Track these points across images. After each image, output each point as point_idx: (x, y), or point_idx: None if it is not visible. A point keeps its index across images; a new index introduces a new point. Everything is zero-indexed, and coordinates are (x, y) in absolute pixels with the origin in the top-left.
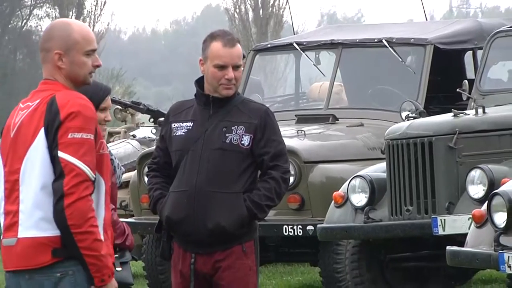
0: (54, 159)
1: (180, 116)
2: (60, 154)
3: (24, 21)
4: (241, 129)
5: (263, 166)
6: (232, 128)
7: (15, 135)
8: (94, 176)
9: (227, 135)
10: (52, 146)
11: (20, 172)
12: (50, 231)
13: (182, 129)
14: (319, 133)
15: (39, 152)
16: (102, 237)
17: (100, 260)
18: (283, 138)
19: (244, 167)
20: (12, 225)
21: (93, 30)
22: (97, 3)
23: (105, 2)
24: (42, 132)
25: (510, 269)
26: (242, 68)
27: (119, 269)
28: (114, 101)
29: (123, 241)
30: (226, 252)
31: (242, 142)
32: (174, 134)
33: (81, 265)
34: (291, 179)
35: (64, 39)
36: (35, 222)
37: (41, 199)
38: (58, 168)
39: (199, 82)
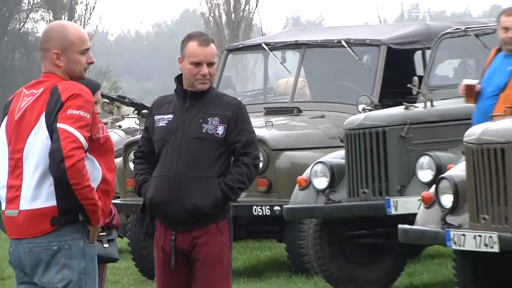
0: (52, 131)
1: (162, 109)
2: (59, 125)
3: (22, 23)
4: (216, 120)
5: (235, 153)
6: (208, 119)
7: (19, 118)
8: (87, 146)
9: (203, 125)
10: (52, 124)
11: (23, 152)
12: (48, 202)
13: (163, 120)
14: (285, 123)
15: (40, 135)
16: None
17: (96, 206)
18: (254, 128)
19: (218, 154)
20: (14, 198)
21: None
22: (87, 7)
23: (94, 7)
24: (43, 116)
25: (456, 245)
26: (216, 65)
27: (106, 245)
28: (102, 95)
29: (110, 220)
30: (203, 230)
31: (217, 132)
32: (156, 125)
33: (78, 219)
34: (260, 164)
35: (61, 40)
36: (35, 195)
37: (40, 176)
38: (56, 136)
39: (179, 79)
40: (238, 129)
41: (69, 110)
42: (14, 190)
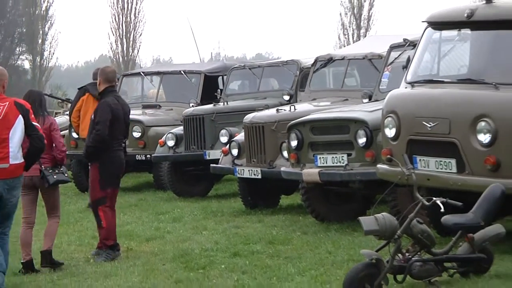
0: (29, 125)
1: None
2: (33, 123)
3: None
4: None
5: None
6: None
7: (3, 117)
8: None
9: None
10: (28, 121)
11: (9, 134)
12: (21, 160)
13: None
14: (152, 113)
15: (19, 125)
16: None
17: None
18: (136, 116)
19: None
20: (5, 157)
21: (48, 65)
22: (49, 53)
23: (54, 52)
24: (20, 117)
25: (239, 175)
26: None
27: (55, 176)
28: (58, 98)
29: (61, 160)
30: None
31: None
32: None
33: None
34: (139, 134)
35: (4, 75)
36: (16, 157)
37: (18, 148)
38: (33, 128)
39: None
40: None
41: (31, 115)
42: (4, 153)
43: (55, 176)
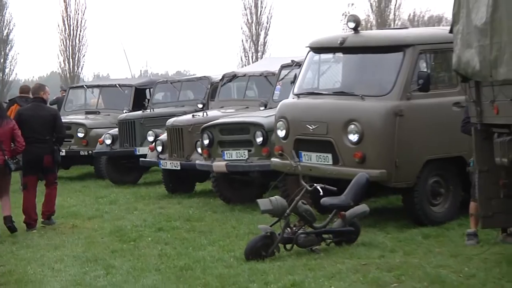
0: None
1: None
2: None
3: None
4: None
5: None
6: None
7: None
8: None
9: None
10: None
11: None
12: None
13: None
14: (93, 117)
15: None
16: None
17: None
18: (80, 120)
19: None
20: None
21: (8, 79)
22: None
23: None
24: None
25: (163, 166)
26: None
27: (14, 165)
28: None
29: (21, 151)
30: None
31: None
32: None
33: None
34: (83, 134)
35: None
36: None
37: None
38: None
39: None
40: (59, 124)
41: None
42: None
43: (15, 165)
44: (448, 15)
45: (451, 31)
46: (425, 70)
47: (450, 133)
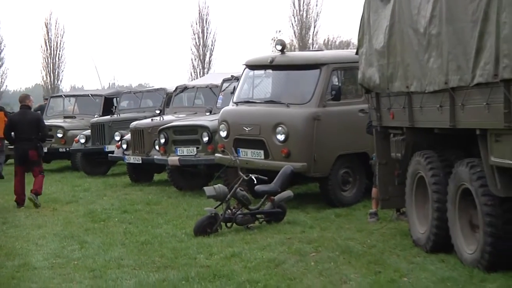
0: None
1: None
2: None
3: None
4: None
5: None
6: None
7: None
8: None
9: None
10: None
11: None
12: None
13: None
14: (70, 121)
15: None
16: None
17: None
18: (59, 123)
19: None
20: None
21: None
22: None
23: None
24: None
25: (128, 161)
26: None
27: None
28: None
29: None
30: None
31: None
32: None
33: None
34: (62, 135)
35: None
36: None
37: None
38: None
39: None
40: (43, 125)
41: None
42: None
43: None
44: (355, 40)
45: (357, 53)
46: (337, 83)
47: (357, 133)
